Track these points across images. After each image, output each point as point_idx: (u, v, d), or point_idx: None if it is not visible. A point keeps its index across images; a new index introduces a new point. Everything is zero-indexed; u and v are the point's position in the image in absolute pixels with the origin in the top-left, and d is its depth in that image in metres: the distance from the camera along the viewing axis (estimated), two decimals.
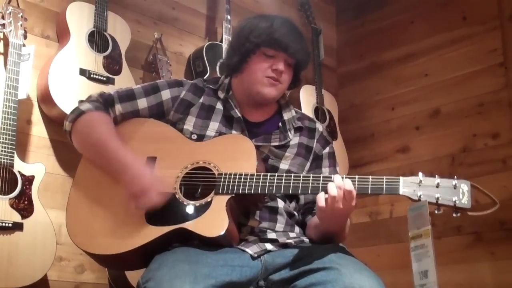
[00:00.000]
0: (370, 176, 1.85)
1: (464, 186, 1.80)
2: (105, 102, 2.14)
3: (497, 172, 3.57)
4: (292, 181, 1.91)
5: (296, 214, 2.12)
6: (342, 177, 1.85)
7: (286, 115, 2.21)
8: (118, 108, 2.14)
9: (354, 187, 1.84)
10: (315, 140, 2.22)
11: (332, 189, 1.82)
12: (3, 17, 2.86)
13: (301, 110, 3.47)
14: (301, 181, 1.91)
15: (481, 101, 3.74)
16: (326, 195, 1.83)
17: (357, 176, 1.86)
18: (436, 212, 1.83)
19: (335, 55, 4.63)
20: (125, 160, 1.98)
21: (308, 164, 2.18)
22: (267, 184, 1.92)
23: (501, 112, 3.64)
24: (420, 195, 1.81)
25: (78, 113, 2.10)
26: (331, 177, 1.88)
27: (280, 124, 2.18)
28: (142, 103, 2.15)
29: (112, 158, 2.00)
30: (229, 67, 2.19)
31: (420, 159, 3.94)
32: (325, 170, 2.20)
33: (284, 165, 2.12)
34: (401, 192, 1.82)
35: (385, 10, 4.38)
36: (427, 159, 3.90)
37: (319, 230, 2.02)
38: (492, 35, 3.76)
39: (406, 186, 1.83)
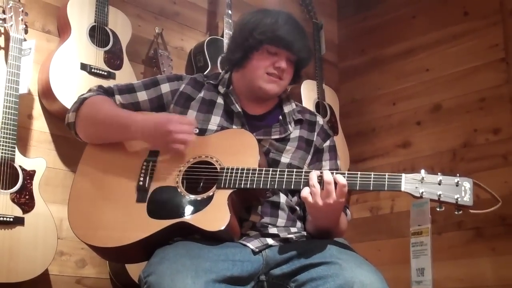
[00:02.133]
0: (372, 173, 1.85)
1: (466, 184, 1.80)
2: (105, 92, 2.16)
3: (498, 167, 3.57)
4: (294, 176, 1.91)
5: (298, 208, 2.12)
6: (332, 173, 1.85)
7: (287, 108, 2.21)
8: (118, 98, 2.15)
9: (356, 183, 1.85)
10: (316, 133, 2.22)
11: (313, 179, 1.84)
12: (4, 12, 2.86)
13: (302, 105, 3.47)
14: (303, 176, 1.90)
15: (482, 96, 3.73)
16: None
17: (359, 173, 1.86)
18: (437, 209, 1.83)
19: (336, 50, 4.63)
20: (142, 117, 2.02)
21: (309, 157, 2.18)
22: (269, 179, 1.92)
23: (502, 108, 3.64)
24: (422, 192, 1.80)
25: (80, 102, 2.11)
26: (332, 173, 1.87)
27: (280, 117, 2.18)
28: (142, 95, 2.15)
29: (128, 123, 2.02)
30: (231, 62, 2.19)
31: (421, 154, 3.94)
32: (326, 163, 2.20)
33: (285, 159, 2.12)
34: (403, 189, 1.82)
35: (386, 5, 4.37)
36: (428, 154, 3.90)
37: (315, 224, 2.03)
38: (494, 30, 3.76)
39: (408, 182, 1.82)
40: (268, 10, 2.18)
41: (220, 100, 2.16)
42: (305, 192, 1.85)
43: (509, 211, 3.34)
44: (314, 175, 1.85)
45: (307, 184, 1.88)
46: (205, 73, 2.75)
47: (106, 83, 2.85)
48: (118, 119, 2.04)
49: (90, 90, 2.19)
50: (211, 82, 2.21)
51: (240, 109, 2.13)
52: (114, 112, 2.06)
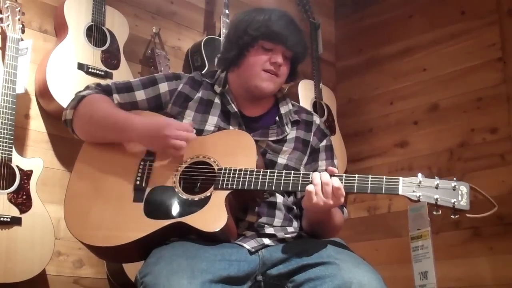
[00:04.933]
0: (370, 176, 1.85)
1: (463, 188, 1.81)
2: (103, 91, 2.14)
3: (496, 167, 3.57)
4: (291, 178, 1.91)
5: (294, 208, 2.12)
6: (331, 176, 1.86)
7: (283, 109, 2.21)
8: (116, 97, 2.14)
9: (354, 186, 1.85)
10: (312, 133, 2.22)
11: (316, 179, 1.84)
12: (0, 12, 2.85)
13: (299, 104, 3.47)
14: (300, 178, 1.90)
15: (479, 96, 3.73)
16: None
17: (356, 175, 1.87)
18: (434, 213, 1.84)
19: (334, 49, 4.63)
20: (140, 120, 2.01)
21: (306, 158, 2.18)
22: (267, 181, 1.92)
23: (499, 107, 3.64)
24: (420, 196, 1.81)
25: (78, 100, 2.10)
26: (331, 176, 1.87)
27: (277, 118, 2.18)
28: (140, 95, 2.14)
29: (126, 125, 2.01)
30: (226, 61, 2.18)
31: (419, 153, 3.94)
32: (322, 163, 2.20)
33: (282, 160, 2.11)
34: (400, 193, 1.82)
35: (383, 4, 4.38)
36: (425, 154, 3.90)
37: (310, 223, 2.04)
38: (491, 29, 3.76)
39: (406, 186, 1.82)
40: (262, 8, 2.18)
41: (217, 100, 2.16)
42: (310, 187, 1.85)
43: (507, 210, 3.34)
44: (317, 175, 1.86)
45: (304, 186, 1.88)
46: (202, 72, 2.75)
47: (103, 83, 2.85)
48: (116, 120, 2.03)
49: (87, 87, 2.17)
50: (208, 81, 2.20)
51: (236, 109, 2.13)
52: (112, 112, 2.05)
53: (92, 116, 2.07)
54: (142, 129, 1.99)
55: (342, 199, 1.85)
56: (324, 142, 2.23)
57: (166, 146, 1.96)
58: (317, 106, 3.96)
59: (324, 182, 1.84)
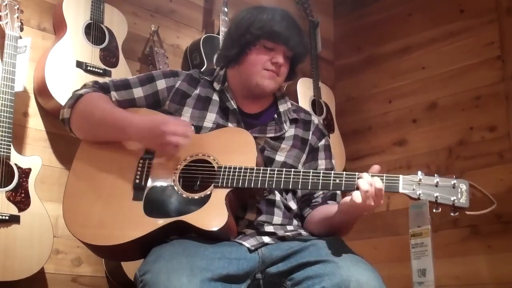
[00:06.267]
0: (370, 174, 1.85)
1: (463, 186, 1.81)
2: (101, 88, 2.14)
3: (494, 165, 3.57)
4: (292, 176, 1.91)
5: (293, 206, 2.12)
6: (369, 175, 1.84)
7: (282, 107, 2.21)
8: (114, 95, 2.13)
9: (354, 184, 1.84)
10: (311, 132, 2.22)
11: (365, 185, 1.81)
12: None
13: (298, 103, 3.47)
14: (301, 176, 1.90)
15: (478, 94, 3.74)
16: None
17: (357, 173, 1.86)
18: (434, 210, 1.84)
19: (332, 48, 4.63)
20: (137, 119, 1.99)
21: (304, 156, 2.18)
22: (267, 179, 1.91)
23: (498, 105, 3.64)
24: (420, 194, 1.81)
25: (76, 98, 2.09)
26: (330, 173, 1.88)
27: (275, 115, 2.18)
28: (138, 92, 2.14)
29: (120, 119, 2.00)
30: (227, 58, 2.18)
31: (417, 152, 3.94)
32: (321, 162, 2.20)
33: (280, 157, 2.12)
34: (401, 190, 1.83)
35: (382, 2, 4.37)
36: (424, 152, 3.90)
37: (333, 222, 2.00)
38: (489, 28, 3.76)
39: (406, 184, 1.83)
40: (264, 6, 2.18)
41: (215, 97, 2.16)
42: (357, 194, 1.81)
43: (505, 209, 3.34)
44: (364, 179, 1.83)
45: (305, 184, 1.89)
46: (201, 70, 2.75)
47: (101, 80, 2.85)
48: (114, 119, 2.02)
49: (85, 85, 2.17)
50: (207, 78, 2.20)
51: (235, 106, 2.13)
52: (110, 111, 2.04)
53: (90, 115, 2.06)
54: (140, 127, 1.98)
55: (382, 200, 1.83)
56: (323, 142, 2.24)
57: (164, 143, 1.93)
58: (316, 104, 3.96)
59: (368, 182, 1.81)
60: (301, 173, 1.91)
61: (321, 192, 2.12)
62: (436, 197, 1.80)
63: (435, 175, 1.83)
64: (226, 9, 3.60)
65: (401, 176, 1.84)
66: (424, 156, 3.88)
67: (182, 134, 1.93)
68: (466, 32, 3.87)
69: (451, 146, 3.79)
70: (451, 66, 3.89)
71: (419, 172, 1.83)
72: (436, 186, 1.81)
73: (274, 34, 2.07)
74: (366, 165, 4.10)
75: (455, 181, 1.81)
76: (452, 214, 1.81)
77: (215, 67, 2.27)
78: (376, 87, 4.28)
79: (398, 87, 4.15)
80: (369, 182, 1.81)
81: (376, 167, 1.88)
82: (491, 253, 3.49)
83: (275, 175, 1.92)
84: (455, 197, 1.80)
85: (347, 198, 1.85)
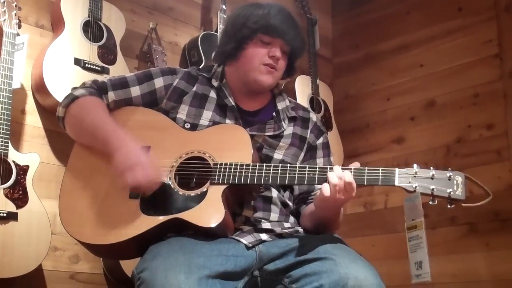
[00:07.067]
0: (366, 168, 1.86)
1: (458, 178, 1.82)
2: (99, 89, 2.13)
3: (492, 163, 3.58)
4: (288, 171, 1.91)
5: (290, 204, 2.12)
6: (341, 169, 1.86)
7: (280, 105, 2.21)
8: (111, 95, 2.12)
9: None
10: (309, 130, 2.22)
11: (334, 178, 1.83)
12: None
13: (296, 100, 3.47)
14: (297, 171, 1.91)
15: (476, 92, 3.74)
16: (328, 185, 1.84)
17: (353, 167, 1.87)
18: (430, 203, 1.84)
19: (331, 45, 4.63)
20: (123, 139, 1.96)
21: (302, 154, 2.18)
22: (263, 175, 1.92)
23: (496, 103, 3.64)
24: (416, 187, 1.82)
25: (71, 99, 2.09)
26: (326, 168, 1.88)
27: (274, 113, 2.18)
28: (135, 90, 2.13)
29: (109, 139, 1.97)
30: (224, 54, 2.18)
31: (415, 149, 3.95)
32: (320, 160, 2.20)
33: (278, 155, 2.11)
34: (396, 184, 1.83)
35: (380, 1, 4.38)
36: (422, 150, 3.91)
37: (315, 218, 2.03)
38: (488, 26, 3.76)
39: (402, 177, 1.83)
40: (260, 3, 2.18)
41: (213, 94, 2.15)
42: (326, 187, 1.85)
43: (503, 206, 3.35)
44: (339, 169, 1.86)
45: (301, 179, 1.89)
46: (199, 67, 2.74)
47: (99, 78, 2.85)
48: (103, 130, 2.00)
49: (83, 84, 2.16)
50: (204, 75, 2.20)
51: (233, 103, 2.13)
52: (100, 121, 2.02)
53: (81, 120, 2.06)
54: (123, 156, 1.93)
55: (354, 193, 1.85)
56: (321, 140, 2.24)
57: (125, 179, 1.90)
58: (314, 101, 3.96)
59: (338, 176, 1.83)
60: (297, 168, 1.92)
61: (317, 189, 2.12)
62: (432, 189, 1.81)
63: (431, 167, 1.84)
64: (224, 7, 3.60)
65: (397, 169, 1.85)
66: (422, 153, 3.89)
67: (143, 185, 1.90)
68: (464, 30, 3.87)
69: (449, 144, 3.79)
70: (449, 64, 3.89)
71: (415, 165, 1.84)
72: (432, 178, 1.82)
73: (271, 27, 2.07)
74: (364, 163, 4.06)
75: (450, 174, 1.82)
76: (448, 206, 1.82)
77: (213, 64, 2.26)
78: (374, 84, 4.29)
79: (396, 85, 4.16)
80: (338, 175, 1.83)
81: (355, 164, 1.89)
82: (489, 250, 3.49)
83: (271, 171, 1.92)
84: (451, 189, 1.80)
85: (318, 192, 1.87)
